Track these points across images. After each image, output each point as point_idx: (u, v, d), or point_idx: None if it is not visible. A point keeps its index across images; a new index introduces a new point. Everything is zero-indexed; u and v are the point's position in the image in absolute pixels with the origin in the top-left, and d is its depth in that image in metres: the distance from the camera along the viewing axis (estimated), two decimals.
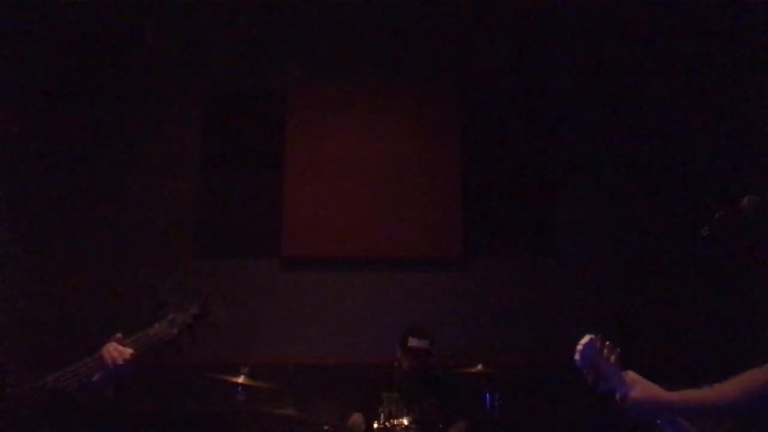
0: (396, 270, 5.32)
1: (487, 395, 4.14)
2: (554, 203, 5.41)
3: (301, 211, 5.38)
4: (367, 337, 5.04)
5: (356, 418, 4.10)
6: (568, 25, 5.53)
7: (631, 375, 1.95)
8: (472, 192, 5.40)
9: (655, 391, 1.89)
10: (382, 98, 5.63)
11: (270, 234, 5.35)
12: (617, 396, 1.93)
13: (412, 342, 4.26)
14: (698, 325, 4.75)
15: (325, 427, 4.04)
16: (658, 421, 2.01)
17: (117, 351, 1.87)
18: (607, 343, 2.00)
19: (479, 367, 4.13)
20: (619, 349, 2.00)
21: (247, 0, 5.52)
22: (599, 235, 5.29)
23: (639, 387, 1.91)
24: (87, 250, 5.26)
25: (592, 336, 1.99)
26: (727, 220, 2.16)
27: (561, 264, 5.27)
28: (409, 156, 5.47)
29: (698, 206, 4.41)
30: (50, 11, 5.25)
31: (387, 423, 3.94)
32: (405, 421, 3.91)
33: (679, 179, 5.23)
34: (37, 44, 5.38)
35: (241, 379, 3.98)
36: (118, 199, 5.41)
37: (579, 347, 1.97)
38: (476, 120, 5.56)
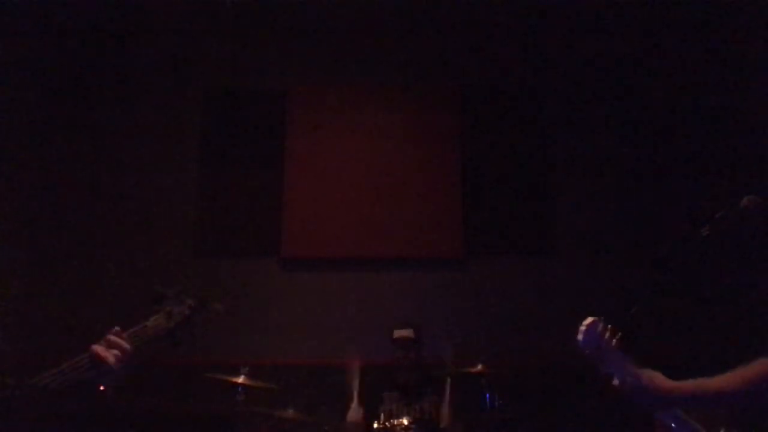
0: (396, 270, 5.32)
1: (487, 395, 4.13)
2: (554, 203, 5.42)
3: (301, 211, 5.38)
4: (367, 338, 5.03)
5: (354, 413, 4.10)
6: (567, 25, 5.54)
7: (633, 366, 1.96)
8: (472, 192, 5.40)
9: (657, 378, 1.90)
10: (382, 98, 5.64)
11: (270, 234, 5.35)
12: (616, 380, 1.93)
13: (397, 333, 4.30)
14: (698, 325, 4.75)
15: (325, 428, 4.03)
16: (658, 414, 2.02)
17: (115, 345, 1.85)
18: (609, 327, 2.04)
19: (479, 367, 4.12)
20: (620, 334, 2.03)
21: (247, 0, 5.53)
22: (599, 235, 5.29)
23: (642, 374, 1.91)
24: (87, 249, 5.26)
25: (596, 318, 2.02)
26: (727, 220, 2.16)
27: (561, 264, 5.27)
28: (409, 156, 5.47)
29: (698, 206, 4.40)
30: (50, 10, 5.25)
31: (387, 423, 3.94)
32: (405, 421, 3.91)
33: (680, 179, 5.23)
34: (37, 43, 5.38)
35: (241, 379, 3.97)
36: (118, 198, 5.41)
37: (582, 327, 2.02)
38: (476, 120, 5.56)
